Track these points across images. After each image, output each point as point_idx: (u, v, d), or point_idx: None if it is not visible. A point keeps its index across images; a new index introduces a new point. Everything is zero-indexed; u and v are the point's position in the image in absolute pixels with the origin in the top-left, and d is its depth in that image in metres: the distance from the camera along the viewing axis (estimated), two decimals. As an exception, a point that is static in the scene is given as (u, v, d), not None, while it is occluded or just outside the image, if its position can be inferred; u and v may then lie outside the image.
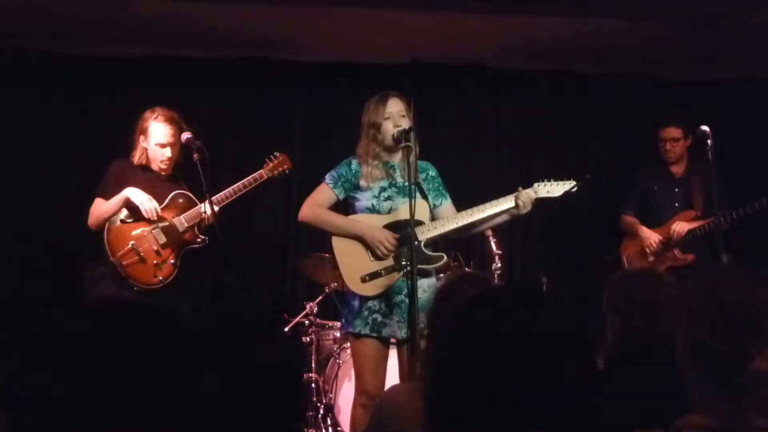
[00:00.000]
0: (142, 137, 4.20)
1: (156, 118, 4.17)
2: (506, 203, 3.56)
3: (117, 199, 4.16)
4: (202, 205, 4.19)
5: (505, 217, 3.62)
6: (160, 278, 4.18)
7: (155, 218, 4.18)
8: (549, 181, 3.64)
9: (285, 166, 4.37)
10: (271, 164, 4.34)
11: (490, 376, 1.08)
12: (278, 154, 4.37)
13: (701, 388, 1.37)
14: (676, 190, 5.04)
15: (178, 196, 4.29)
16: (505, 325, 1.11)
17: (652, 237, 4.93)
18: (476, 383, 1.09)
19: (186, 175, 4.30)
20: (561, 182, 3.64)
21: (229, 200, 4.24)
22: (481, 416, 1.08)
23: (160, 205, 4.22)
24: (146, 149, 4.22)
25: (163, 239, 4.20)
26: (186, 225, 4.24)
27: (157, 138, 4.18)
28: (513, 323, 1.12)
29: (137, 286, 4.15)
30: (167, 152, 4.20)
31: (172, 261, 4.22)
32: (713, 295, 1.38)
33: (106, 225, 4.17)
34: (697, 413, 1.35)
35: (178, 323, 1.17)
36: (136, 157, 4.23)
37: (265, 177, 4.31)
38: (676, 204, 4.99)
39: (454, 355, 1.16)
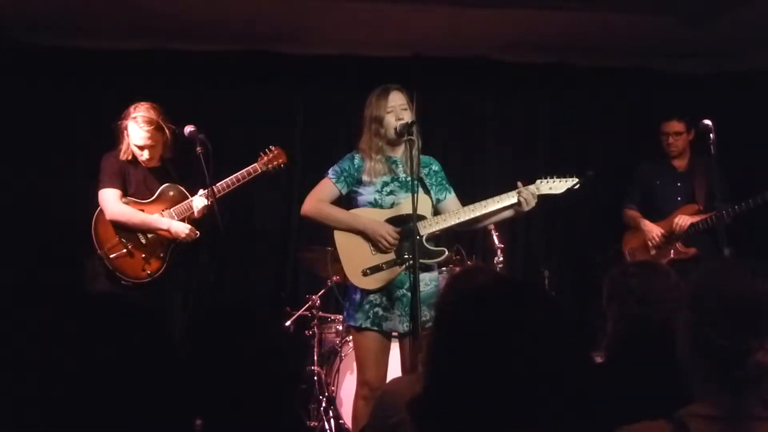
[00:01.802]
0: (125, 132, 4.14)
1: (134, 118, 4.09)
2: (508, 199, 3.55)
3: (154, 222, 4.12)
4: (193, 198, 4.17)
5: (508, 214, 3.61)
6: (149, 272, 4.14)
7: (195, 236, 4.17)
8: (552, 177, 3.61)
9: (280, 160, 4.28)
10: (265, 158, 4.27)
11: (486, 369, 1.08)
12: (273, 148, 4.29)
13: (702, 381, 1.38)
14: (679, 184, 5.04)
15: (169, 189, 4.25)
16: (503, 320, 1.12)
17: (654, 230, 4.93)
18: (472, 374, 1.09)
19: (179, 167, 4.26)
20: (564, 179, 3.61)
21: (222, 194, 4.17)
22: (475, 406, 1.08)
23: (149, 198, 4.20)
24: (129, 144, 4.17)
25: (152, 233, 4.16)
26: (176, 218, 4.19)
27: (135, 140, 4.13)
28: (511, 318, 1.13)
29: (124, 279, 4.11)
30: (145, 154, 4.16)
31: (161, 255, 4.18)
32: (715, 288, 1.39)
33: (95, 216, 4.13)
34: (699, 403, 1.36)
35: (163, 322, 1.17)
36: (122, 152, 4.16)
37: (259, 171, 4.23)
38: (679, 198, 5.00)
39: (454, 346, 1.16)
